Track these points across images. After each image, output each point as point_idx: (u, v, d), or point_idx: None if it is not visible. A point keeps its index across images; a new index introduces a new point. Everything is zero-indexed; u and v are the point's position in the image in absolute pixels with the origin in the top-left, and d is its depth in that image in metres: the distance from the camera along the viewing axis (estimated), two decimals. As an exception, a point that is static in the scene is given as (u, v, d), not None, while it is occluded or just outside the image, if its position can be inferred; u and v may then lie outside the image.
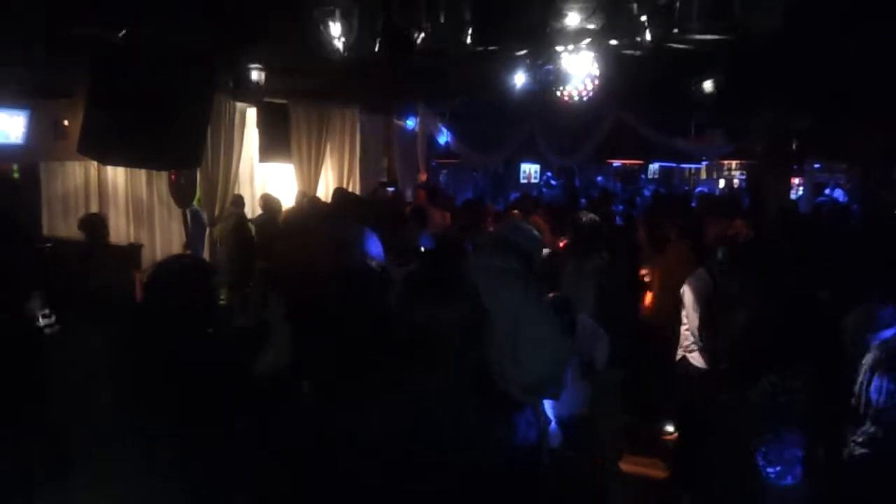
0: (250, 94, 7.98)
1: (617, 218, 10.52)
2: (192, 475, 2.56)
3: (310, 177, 10.21)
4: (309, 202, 8.46)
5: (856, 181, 16.88)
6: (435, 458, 2.07)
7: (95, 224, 6.98)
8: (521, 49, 6.14)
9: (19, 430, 3.00)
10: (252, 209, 9.65)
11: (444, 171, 16.97)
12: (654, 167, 20.90)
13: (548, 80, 6.88)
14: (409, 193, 11.93)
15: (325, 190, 10.41)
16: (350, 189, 10.64)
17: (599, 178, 19.91)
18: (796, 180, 16.27)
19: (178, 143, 6.44)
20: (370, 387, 2.42)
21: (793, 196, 14.86)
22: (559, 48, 6.47)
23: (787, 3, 4.90)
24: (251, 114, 9.59)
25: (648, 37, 5.54)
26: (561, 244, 7.26)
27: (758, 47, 6.63)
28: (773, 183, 12.09)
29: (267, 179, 10.56)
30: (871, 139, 12.40)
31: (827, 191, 17.39)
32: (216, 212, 9.12)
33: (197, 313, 2.82)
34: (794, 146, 12.77)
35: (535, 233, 3.77)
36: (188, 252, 8.71)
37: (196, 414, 2.59)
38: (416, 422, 2.11)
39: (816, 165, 17.05)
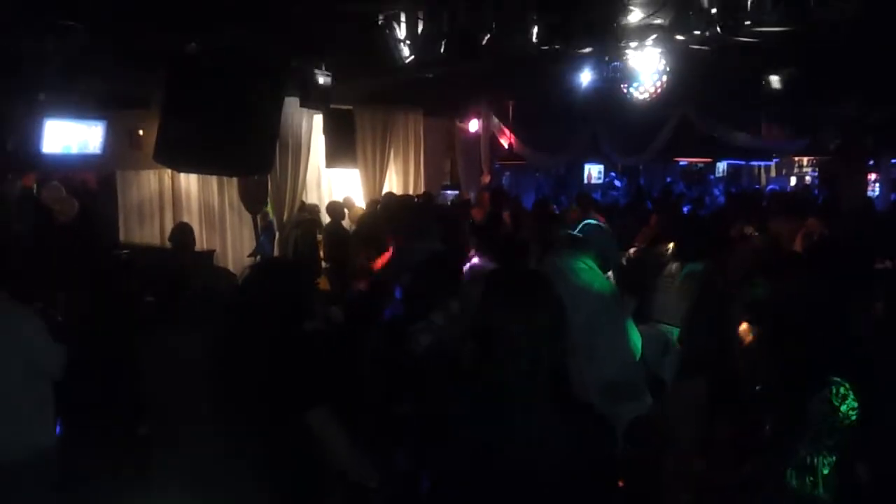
0: (317, 100, 8.10)
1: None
2: (284, 475, 2.61)
3: (375, 181, 10.31)
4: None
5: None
6: (514, 466, 2.06)
7: (186, 232, 7.17)
8: (587, 47, 6.08)
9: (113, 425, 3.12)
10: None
11: (507, 173, 16.91)
12: (721, 165, 20.39)
13: (614, 77, 6.79)
14: (472, 195, 11.94)
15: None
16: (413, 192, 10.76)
17: (669, 178, 19.48)
18: (872, 176, 15.69)
19: (250, 149, 6.58)
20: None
21: (869, 193, 14.32)
22: (625, 45, 6.39)
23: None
24: (318, 120, 9.74)
25: (718, 30, 5.44)
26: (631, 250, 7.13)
27: (831, 38, 6.42)
28: (848, 179, 11.66)
29: (334, 185, 10.70)
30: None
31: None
32: (285, 216, 9.30)
33: (295, 311, 2.87)
34: (869, 140, 12.31)
35: (610, 232, 3.71)
36: (256, 257, 8.93)
37: (292, 411, 2.64)
38: (495, 429, 2.09)
39: (893, 161, 16.41)
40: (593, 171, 18.90)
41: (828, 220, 8.08)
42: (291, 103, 8.57)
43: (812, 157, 17.70)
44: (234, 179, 9.21)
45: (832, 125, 11.64)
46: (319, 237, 9.01)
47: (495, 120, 12.15)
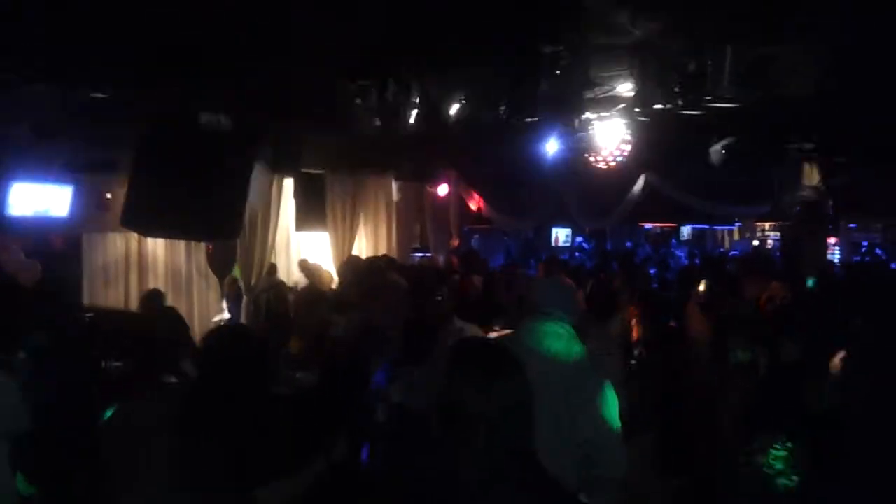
0: (288, 165, 8.16)
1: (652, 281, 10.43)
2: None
3: (344, 244, 10.32)
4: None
5: (892, 240, 16.71)
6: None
7: (155, 297, 7.06)
8: (554, 119, 6.24)
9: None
10: (287, 278, 9.73)
11: (476, 237, 17.04)
12: (686, 229, 20.81)
13: (580, 146, 6.96)
14: (441, 259, 11.98)
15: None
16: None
17: (629, 243, 19.82)
18: (832, 240, 16.07)
19: (219, 214, 6.60)
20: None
21: (829, 256, 14.65)
22: (591, 116, 6.57)
23: (821, 69, 4.96)
24: (288, 183, 9.78)
25: (681, 102, 5.62)
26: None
27: (791, 108, 6.67)
28: (809, 243, 11.95)
29: (303, 248, 10.68)
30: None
31: (863, 248, 17.20)
32: (253, 280, 9.24)
33: (256, 382, 2.83)
34: (829, 206, 12.65)
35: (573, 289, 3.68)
36: (224, 322, 8.82)
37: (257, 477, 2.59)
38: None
39: (852, 226, 16.86)
40: (560, 235, 19.15)
41: (790, 284, 8.25)
42: (262, 168, 8.64)
43: (774, 223, 18.14)
44: (202, 243, 9.16)
45: (793, 190, 11.95)
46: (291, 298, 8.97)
47: (464, 184, 12.29)
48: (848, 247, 16.32)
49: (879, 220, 16.72)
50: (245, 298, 9.33)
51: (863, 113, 7.11)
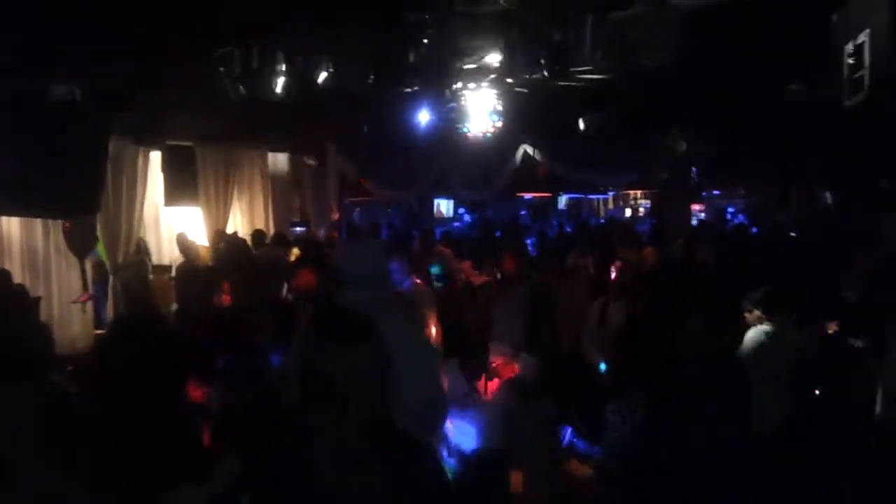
0: (153, 137, 7.80)
1: (530, 250, 10.69)
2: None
3: (218, 219, 10.00)
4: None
5: (754, 206, 17.76)
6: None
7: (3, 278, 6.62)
8: (422, 88, 6.22)
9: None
10: (158, 254, 9.36)
11: (358, 209, 16.92)
12: (563, 199, 21.41)
13: (451, 117, 6.98)
14: (322, 232, 11.83)
15: (233, 231, 10.22)
16: (265, 229, 10.57)
17: (523, 212, 20.25)
18: (698, 206, 16.91)
19: (74, 191, 6.23)
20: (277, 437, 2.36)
21: (695, 222, 15.43)
22: (460, 86, 6.59)
23: (676, 39, 5.14)
24: (155, 156, 9.36)
25: (546, 73, 5.71)
26: (476, 277, 7.28)
27: (656, 80, 6.91)
28: (673, 210, 12.54)
29: (173, 223, 10.27)
30: (767, 166, 13.05)
31: (728, 216, 18.19)
32: (119, 259, 8.81)
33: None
34: (694, 174, 13.28)
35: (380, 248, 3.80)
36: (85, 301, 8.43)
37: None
38: (314, 470, 2.06)
39: (716, 192, 17.80)
40: (444, 206, 19.30)
41: (659, 249, 8.65)
42: (125, 140, 8.22)
43: (644, 191, 18.93)
44: (59, 222, 8.63)
45: (659, 160, 12.48)
46: (151, 277, 8.65)
47: (342, 156, 12.14)
48: (712, 213, 17.22)
49: (740, 187, 17.70)
50: (111, 279, 8.91)
51: (717, 83, 7.46)
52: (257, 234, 9.75)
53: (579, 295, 6.38)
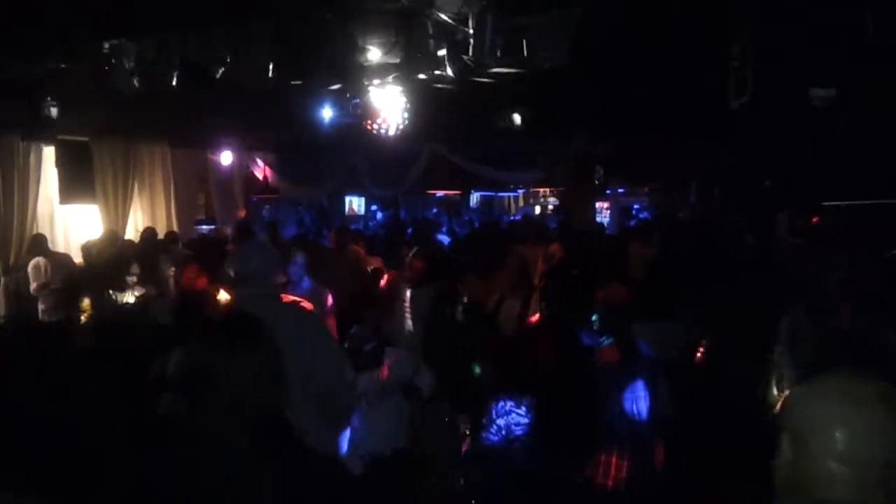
0: (43, 132, 7.48)
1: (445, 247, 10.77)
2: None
3: (118, 217, 9.69)
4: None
5: (656, 204, 18.36)
6: None
7: None
8: (325, 83, 6.17)
9: None
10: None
11: (267, 207, 16.64)
12: (475, 196, 21.61)
13: (356, 113, 6.96)
14: (228, 231, 11.59)
15: (134, 230, 9.91)
16: (167, 227, 10.28)
17: (434, 210, 20.29)
18: (605, 204, 17.35)
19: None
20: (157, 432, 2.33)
21: (601, 219, 15.82)
22: (365, 82, 6.57)
23: (570, 41, 5.27)
24: (49, 152, 8.98)
25: (449, 71, 5.76)
26: (386, 275, 7.28)
27: (556, 79, 7.06)
28: (578, 207, 12.85)
29: (70, 222, 9.87)
30: (668, 164, 13.53)
31: (634, 212, 18.75)
32: (12, 259, 8.44)
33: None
34: (599, 172, 13.62)
35: (272, 249, 3.78)
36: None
37: None
38: (198, 472, 2.03)
39: (621, 190, 18.29)
40: (355, 203, 19.19)
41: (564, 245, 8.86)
42: (13, 135, 7.87)
43: (552, 188, 19.30)
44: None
45: (563, 158, 12.77)
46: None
47: (249, 152, 11.93)
48: (618, 210, 17.68)
49: (644, 184, 18.26)
50: (3, 280, 8.51)
51: (613, 84, 7.69)
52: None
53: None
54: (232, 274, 3.46)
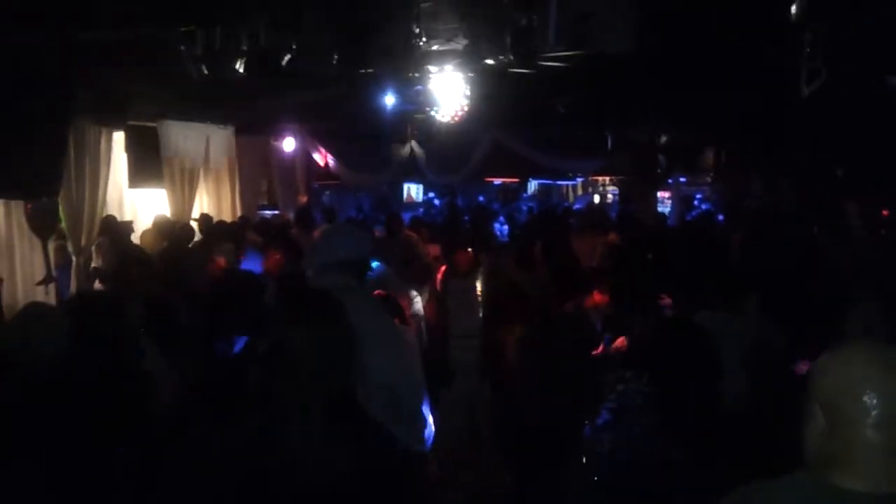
0: (114, 116, 7.70)
1: (501, 235, 10.77)
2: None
3: (184, 202, 9.91)
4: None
5: (719, 193, 17.95)
6: (285, 478, 2.06)
7: None
8: (387, 70, 6.21)
9: None
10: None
11: (327, 193, 16.84)
12: (533, 184, 21.47)
13: (418, 100, 6.98)
14: (291, 216, 11.77)
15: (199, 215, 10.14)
16: (231, 213, 10.51)
17: (481, 198, 20.26)
18: (666, 194, 17.05)
19: (35, 171, 6.15)
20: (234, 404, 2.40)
21: (663, 209, 15.56)
22: (427, 69, 6.59)
23: (636, 26, 5.19)
24: (119, 136, 9.24)
25: (511, 59, 5.74)
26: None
27: (620, 67, 6.96)
28: (640, 197, 12.66)
29: (139, 206, 10.16)
30: (730, 154, 13.23)
31: (696, 202, 18.36)
32: (83, 241, 8.72)
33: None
34: (661, 161, 13.39)
35: (362, 234, 3.65)
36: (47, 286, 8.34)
37: None
38: (269, 441, 2.10)
39: (683, 179, 17.93)
40: (413, 191, 19.28)
41: (624, 235, 8.74)
42: (86, 119, 8.11)
43: (612, 177, 19.05)
44: (21, 203, 8.51)
45: (627, 147, 12.59)
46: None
47: (310, 139, 12.07)
48: (679, 200, 17.36)
49: (705, 175, 17.87)
50: (74, 261, 8.80)
51: (681, 72, 7.52)
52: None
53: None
54: (319, 259, 3.36)
